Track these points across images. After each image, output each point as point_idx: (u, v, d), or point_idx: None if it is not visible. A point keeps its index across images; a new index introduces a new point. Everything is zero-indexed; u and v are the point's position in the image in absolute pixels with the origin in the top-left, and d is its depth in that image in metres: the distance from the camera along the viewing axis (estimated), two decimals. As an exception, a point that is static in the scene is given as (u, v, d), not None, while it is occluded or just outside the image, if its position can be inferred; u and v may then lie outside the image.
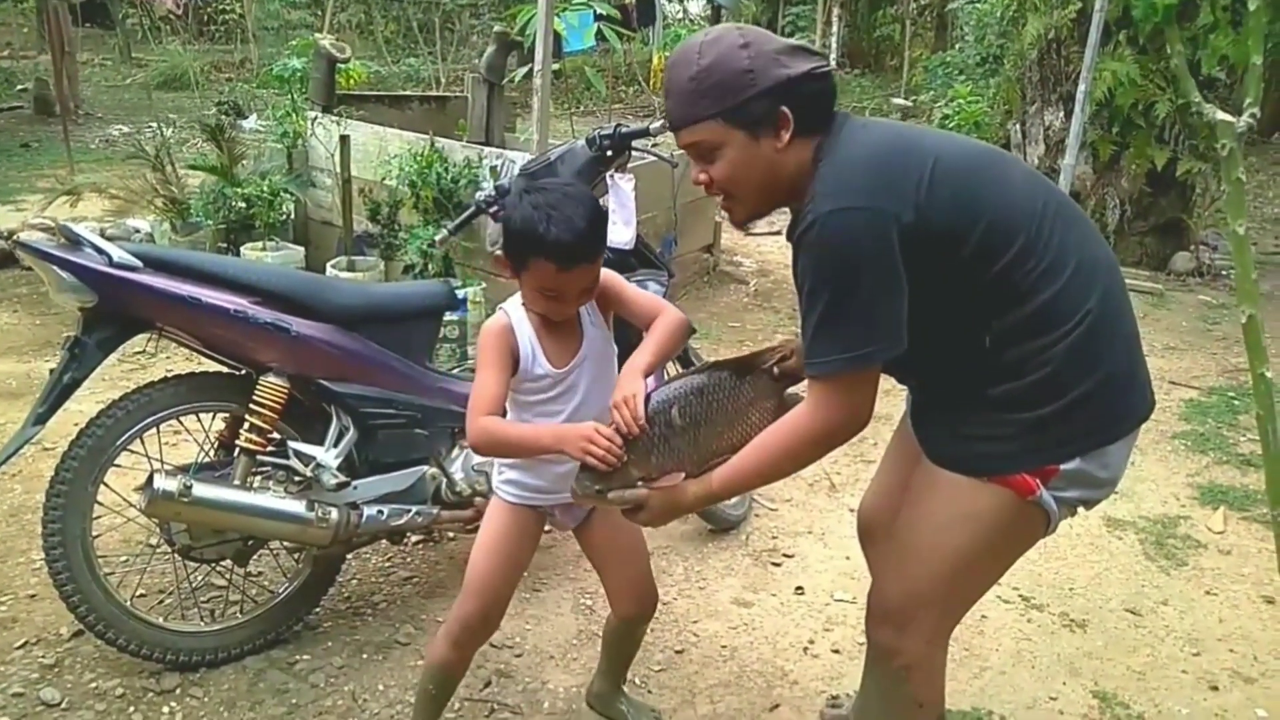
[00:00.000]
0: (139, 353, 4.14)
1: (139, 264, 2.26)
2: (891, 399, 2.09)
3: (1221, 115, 1.67)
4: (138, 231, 5.45)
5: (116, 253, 2.25)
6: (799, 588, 2.98)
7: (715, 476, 1.73)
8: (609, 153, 2.91)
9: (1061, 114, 6.78)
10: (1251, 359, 1.82)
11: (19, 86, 11.19)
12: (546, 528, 2.12)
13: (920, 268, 1.54)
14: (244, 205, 4.90)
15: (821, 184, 1.56)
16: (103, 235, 5.09)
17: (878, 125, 1.71)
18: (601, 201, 2.98)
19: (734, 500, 3.32)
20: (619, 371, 1.87)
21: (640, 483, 1.76)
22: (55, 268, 2.20)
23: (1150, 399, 1.71)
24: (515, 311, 1.89)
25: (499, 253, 1.87)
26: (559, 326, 1.90)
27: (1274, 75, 11.85)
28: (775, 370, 1.85)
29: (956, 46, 11.11)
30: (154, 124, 7.82)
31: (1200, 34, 6.16)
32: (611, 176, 2.92)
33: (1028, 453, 1.63)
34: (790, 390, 1.87)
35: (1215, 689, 2.62)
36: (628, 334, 2.04)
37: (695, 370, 1.87)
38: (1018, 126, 7.22)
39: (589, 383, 1.92)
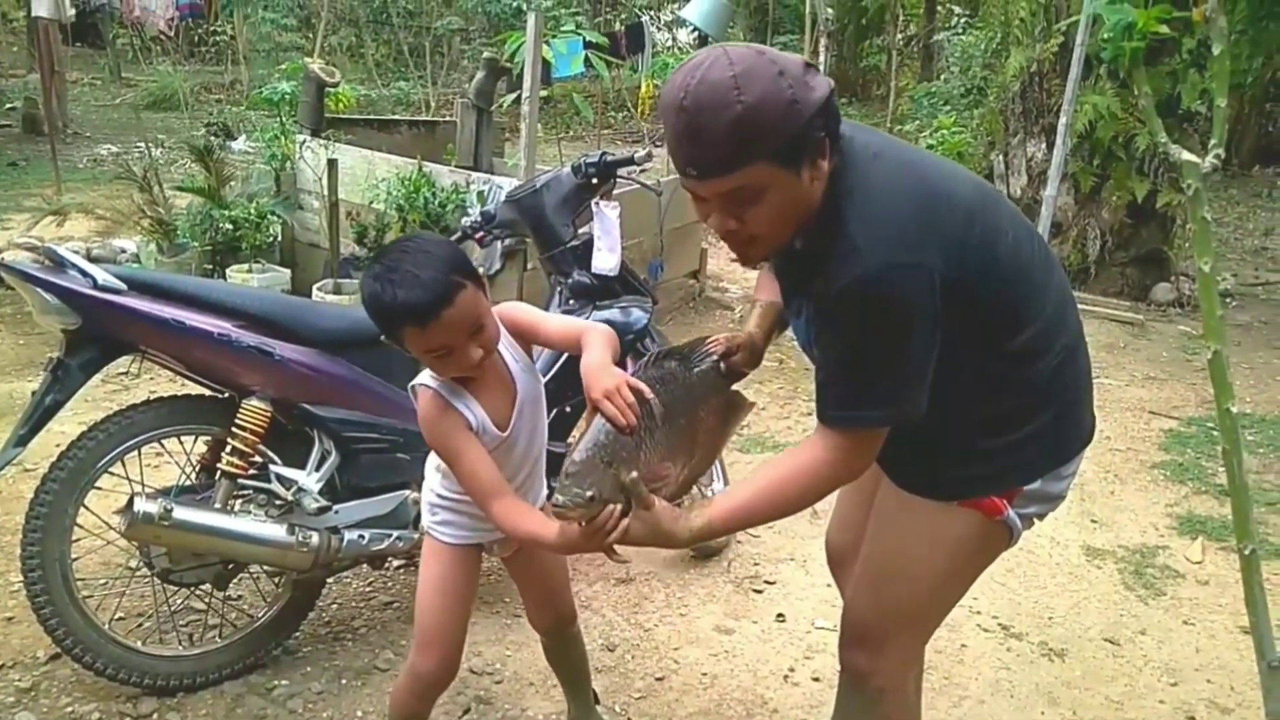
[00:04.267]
0: (122, 374, 4.13)
1: (123, 286, 2.27)
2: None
3: (1187, 155, 1.71)
4: (124, 252, 5.46)
5: (100, 275, 2.26)
6: (780, 615, 2.99)
7: (718, 513, 1.60)
8: (594, 180, 2.94)
9: (1044, 145, 6.87)
10: (1218, 394, 1.84)
11: (8, 105, 11.20)
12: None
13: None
14: (231, 227, 4.92)
15: (864, 230, 1.44)
16: (89, 255, 5.12)
17: (886, 155, 1.57)
18: (586, 229, 3.02)
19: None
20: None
21: (633, 480, 1.56)
22: (39, 289, 2.21)
23: (1094, 421, 1.77)
24: (441, 385, 1.78)
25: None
26: (488, 382, 1.81)
27: (1254, 109, 12.06)
28: (722, 366, 1.78)
29: (942, 77, 11.25)
30: (142, 144, 7.83)
31: (1179, 69, 6.28)
32: (597, 204, 2.95)
33: (996, 477, 1.67)
34: (734, 388, 1.81)
35: (1192, 719, 2.64)
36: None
37: (644, 364, 1.72)
38: (1000, 157, 7.30)
39: (527, 431, 1.87)
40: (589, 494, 1.52)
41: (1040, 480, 1.68)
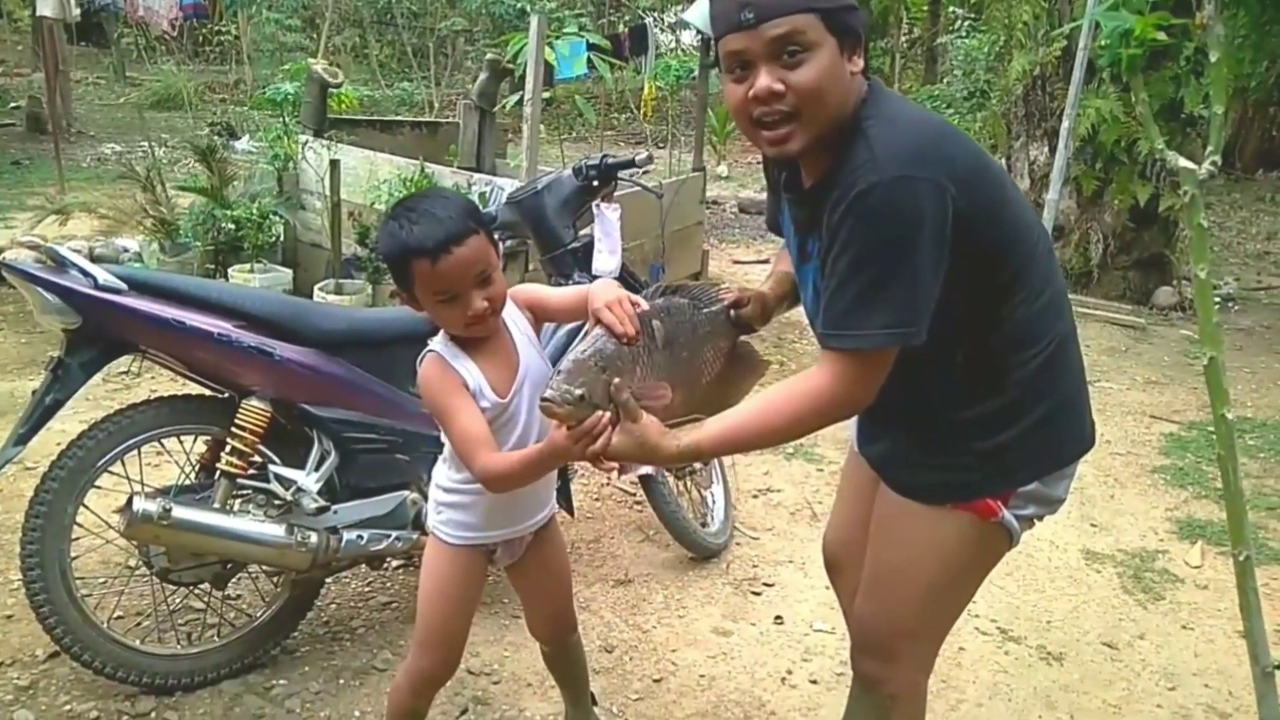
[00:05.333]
0: (123, 373, 4.14)
1: (124, 286, 2.27)
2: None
3: (1184, 162, 1.71)
4: (126, 251, 5.47)
5: (101, 275, 2.26)
6: (778, 617, 2.99)
7: (706, 433, 1.57)
8: (595, 183, 2.94)
9: (1046, 149, 6.88)
10: (1214, 401, 1.84)
11: (12, 104, 11.24)
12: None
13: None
14: (233, 227, 4.94)
15: (882, 145, 1.45)
16: (91, 254, 5.14)
17: (911, 102, 1.63)
18: (587, 231, 3.02)
19: (716, 528, 3.33)
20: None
21: (618, 387, 1.56)
22: (40, 289, 2.21)
23: (1093, 427, 1.76)
24: (445, 348, 1.80)
25: (394, 290, 1.79)
26: (493, 349, 1.81)
27: (1257, 114, 12.06)
28: (731, 314, 1.79)
29: (945, 80, 11.25)
30: (146, 143, 7.85)
31: (1182, 73, 6.28)
32: (598, 206, 2.96)
33: (988, 480, 1.66)
34: (744, 339, 1.82)
35: (1190, 724, 2.64)
36: None
37: (651, 292, 1.73)
38: (1003, 161, 7.31)
39: (528, 411, 1.84)
40: (578, 392, 1.53)
41: (1037, 482, 1.67)
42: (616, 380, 1.57)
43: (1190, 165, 1.71)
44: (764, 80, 1.47)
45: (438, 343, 1.82)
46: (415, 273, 1.71)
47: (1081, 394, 1.72)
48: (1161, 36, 1.61)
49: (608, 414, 1.56)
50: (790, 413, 1.54)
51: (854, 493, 2.01)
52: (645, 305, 1.68)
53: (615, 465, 1.65)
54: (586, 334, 1.68)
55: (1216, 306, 4.62)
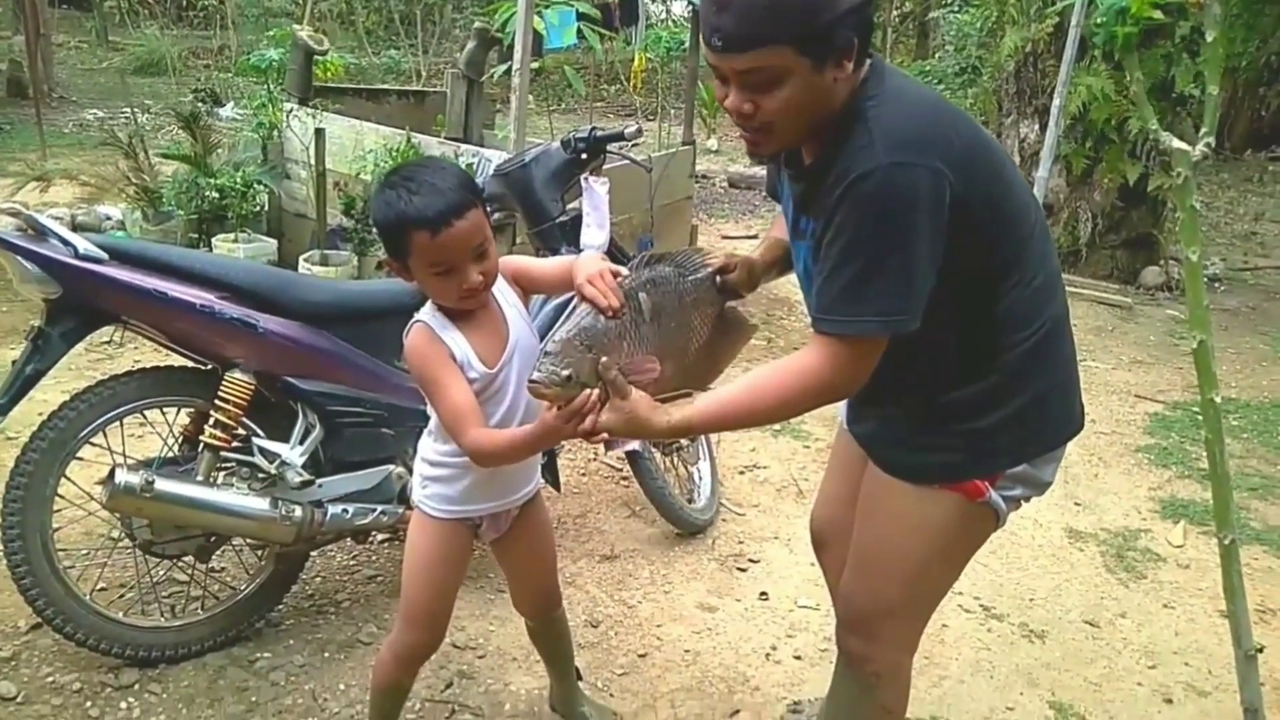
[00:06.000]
0: (105, 343, 4.10)
1: (104, 256, 2.24)
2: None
3: (1177, 143, 1.70)
4: (108, 219, 5.40)
5: (82, 244, 2.23)
6: (763, 593, 3.00)
7: (697, 409, 1.58)
8: (584, 155, 2.91)
9: (1036, 127, 6.86)
10: (1202, 384, 1.85)
11: (-8, 68, 11.03)
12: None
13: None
14: (217, 196, 4.87)
15: (881, 131, 1.44)
16: (73, 222, 5.07)
17: (914, 80, 1.60)
18: (576, 204, 3.00)
19: (702, 504, 3.33)
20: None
21: (605, 365, 1.57)
22: (20, 258, 2.18)
23: (1083, 410, 1.77)
24: (433, 318, 1.78)
25: (385, 259, 1.77)
26: (481, 321, 1.81)
27: (1247, 94, 12.05)
28: (718, 280, 1.78)
29: (937, 55, 11.19)
30: (129, 109, 7.74)
31: (1174, 52, 6.26)
32: (586, 179, 2.93)
33: (977, 461, 1.67)
34: (730, 304, 1.81)
35: (1170, 702, 2.66)
36: None
37: (636, 264, 1.71)
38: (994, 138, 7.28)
39: (517, 383, 1.82)
40: (565, 373, 1.53)
41: (1026, 464, 1.68)
42: (604, 359, 1.56)
43: (1184, 147, 1.70)
44: (733, 100, 1.49)
45: (425, 313, 1.80)
46: (413, 244, 1.69)
47: (1072, 377, 1.73)
48: (1158, 15, 1.60)
49: (595, 392, 1.55)
50: (781, 394, 1.55)
51: (842, 470, 2.01)
52: (629, 276, 1.66)
53: (604, 437, 1.64)
54: (573, 310, 1.66)
55: (1189, 296, 4.68)
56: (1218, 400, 1.86)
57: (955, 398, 1.63)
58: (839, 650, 1.92)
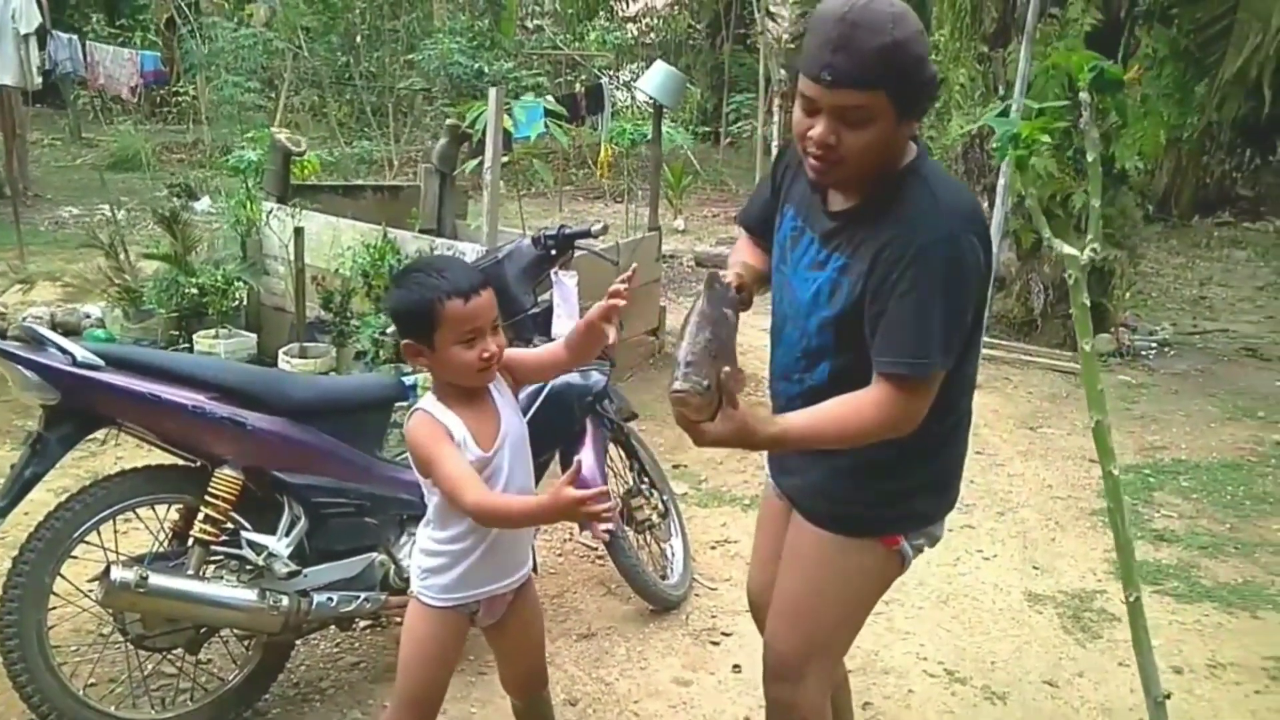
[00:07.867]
0: (90, 439, 4.17)
1: (101, 363, 2.37)
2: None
3: (1068, 249, 1.90)
4: (88, 317, 5.52)
5: (80, 352, 2.36)
6: (736, 665, 3.10)
7: (790, 426, 1.71)
8: (553, 251, 3.10)
9: (985, 204, 7.15)
10: (1101, 458, 2.06)
11: (-33, 168, 11.15)
12: None
13: None
14: (197, 293, 5.00)
15: (946, 198, 1.69)
16: (54, 320, 5.17)
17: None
18: (546, 296, 3.17)
19: (675, 580, 3.44)
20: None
21: (729, 375, 1.63)
22: (20, 368, 2.31)
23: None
24: (434, 407, 1.92)
25: (405, 341, 1.93)
26: (477, 408, 1.94)
27: (1191, 162, 12.55)
28: (734, 293, 1.85)
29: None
30: (105, 205, 7.87)
31: (1112, 130, 6.60)
32: (556, 273, 3.11)
33: (900, 517, 1.91)
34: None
35: (1126, 757, 2.78)
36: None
37: (716, 293, 1.75)
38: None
39: (511, 462, 1.96)
40: (706, 383, 1.59)
41: (935, 522, 1.95)
42: (726, 369, 1.63)
43: (1073, 252, 1.92)
44: (821, 131, 1.64)
45: (426, 402, 1.96)
46: (445, 314, 1.85)
47: (963, 459, 1.98)
48: (1046, 139, 1.81)
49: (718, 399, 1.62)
50: (861, 425, 1.71)
51: (770, 530, 2.17)
52: (707, 294, 1.73)
53: (610, 527, 1.92)
54: (685, 324, 1.70)
55: (1153, 351, 4.79)
56: (1116, 473, 2.05)
57: (881, 459, 1.80)
58: (768, 703, 2.06)
